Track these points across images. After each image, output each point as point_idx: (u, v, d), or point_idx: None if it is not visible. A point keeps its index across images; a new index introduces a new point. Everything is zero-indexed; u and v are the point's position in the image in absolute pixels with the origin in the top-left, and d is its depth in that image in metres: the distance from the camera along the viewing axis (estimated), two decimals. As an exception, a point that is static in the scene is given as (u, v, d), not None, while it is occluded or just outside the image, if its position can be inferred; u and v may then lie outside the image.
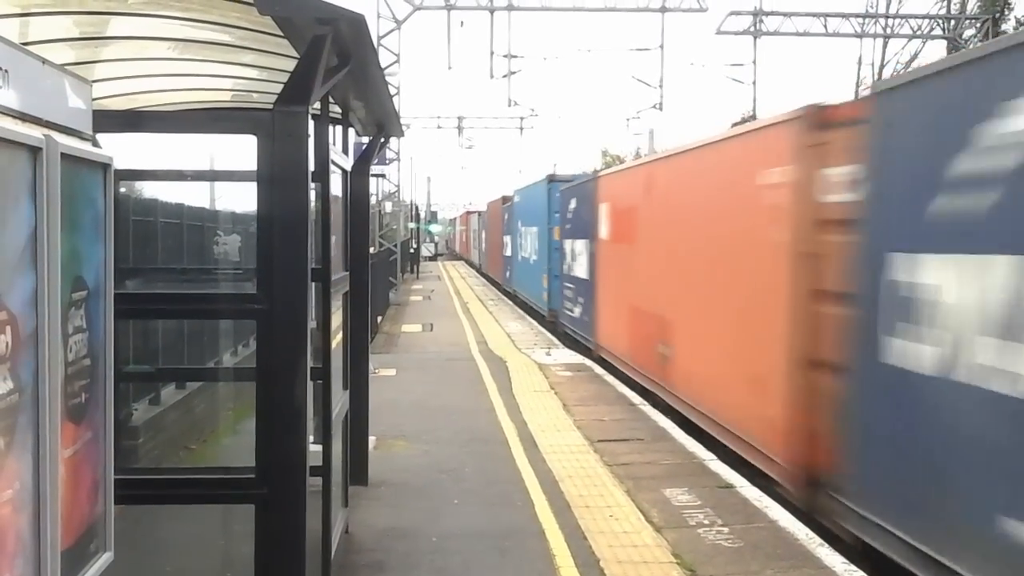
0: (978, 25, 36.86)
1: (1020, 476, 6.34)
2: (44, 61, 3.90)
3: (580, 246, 23.88)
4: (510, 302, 39.25)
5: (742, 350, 11.99)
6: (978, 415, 6.80)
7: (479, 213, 69.84)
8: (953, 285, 7.11)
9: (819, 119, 9.96)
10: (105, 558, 4.41)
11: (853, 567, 8.24)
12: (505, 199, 44.50)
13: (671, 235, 15.68)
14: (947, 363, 7.13)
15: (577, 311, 24.47)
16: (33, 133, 3.62)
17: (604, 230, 21.10)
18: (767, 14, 37.07)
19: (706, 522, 9.45)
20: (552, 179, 29.99)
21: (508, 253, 42.29)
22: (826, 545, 8.78)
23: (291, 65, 6.15)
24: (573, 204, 25.06)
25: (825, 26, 36.51)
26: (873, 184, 8.56)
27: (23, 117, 3.63)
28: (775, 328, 10.64)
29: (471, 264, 75.74)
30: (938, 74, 7.98)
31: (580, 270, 23.86)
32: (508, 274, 42.97)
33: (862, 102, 10.24)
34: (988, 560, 6.60)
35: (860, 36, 38.26)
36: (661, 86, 39.88)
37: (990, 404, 6.61)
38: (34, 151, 3.60)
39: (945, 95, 7.65)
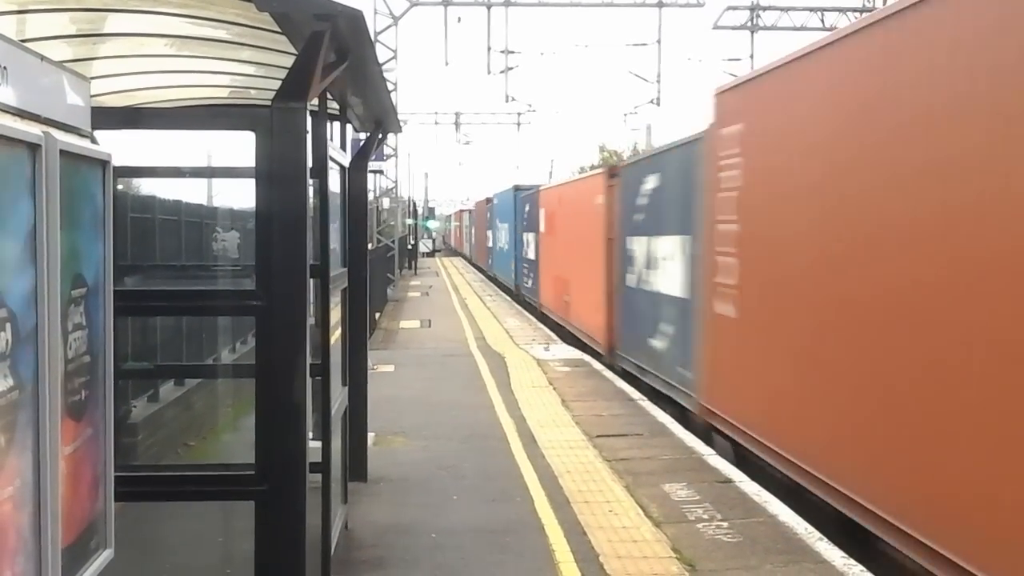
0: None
1: (654, 321, 16.25)
2: (43, 58, 3.89)
3: (530, 237, 34.32)
4: (508, 298, 39.51)
5: (589, 290, 22.53)
6: (643, 301, 17.39)
7: (470, 211, 74.75)
8: (636, 248, 18.00)
9: (610, 172, 21.17)
10: (105, 555, 4.42)
11: (852, 561, 8.25)
12: (488, 200, 55.74)
13: (567, 229, 26.38)
14: (636, 281, 18.03)
15: (529, 283, 34.86)
16: (32, 130, 3.61)
17: (542, 226, 31.05)
18: (764, 9, 37.10)
19: (705, 517, 9.46)
20: (517, 188, 40.72)
21: (489, 244, 53.81)
22: (825, 539, 8.79)
23: (289, 61, 6.15)
24: (527, 207, 35.44)
25: (822, 20, 36.52)
26: (620, 206, 19.79)
27: (22, 114, 3.62)
28: (599, 277, 21.15)
29: (464, 257, 78.43)
30: (631, 164, 20.55)
31: (531, 253, 34.11)
32: (490, 261, 53.99)
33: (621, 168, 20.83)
34: (647, 356, 17.05)
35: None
36: (658, 81, 39.95)
37: (646, 296, 17.19)
38: (33, 148, 3.59)
39: (635, 171, 18.91)
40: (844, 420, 9.09)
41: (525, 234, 36.06)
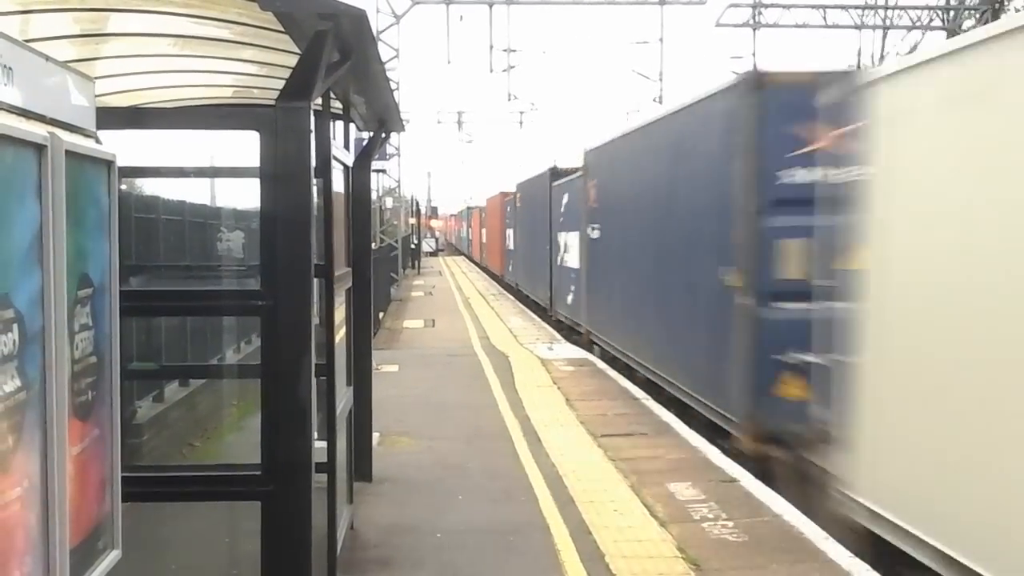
0: (977, 16, 36.81)
1: (568, 288, 26.18)
2: (47, 58, 3.89)
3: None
4: (511, 297, 39.45)
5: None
6: (567, 276, 26.35)
7: (481, 209, 73.82)
8: (567, 240, 26.33)
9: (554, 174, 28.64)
10: (113, 556, 4.42)
11: (858, 560, 8.23)
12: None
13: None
14: (566, 262, 26.59)
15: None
16: (37, 131, 3.61)
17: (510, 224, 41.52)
18: (766, 6, 37.00)
19: (711, 516, 9.44)
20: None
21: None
22: (831, 539, 8.76)
23: (292, 61, 6.14)
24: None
25: (824, 18, 36.44)
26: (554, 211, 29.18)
27: (27, 115, 3.62)
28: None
29: (475, 263, 74.55)
30: (567, 182, 26.49)
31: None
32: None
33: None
34: (568, 310, 26.31)
35: (859, 28, 38.16)
36: (661, 79, 39.89)
37: (568, 271, 26.09)
38: (39, 149, 3.59)
39: (571, 184, 25.36)
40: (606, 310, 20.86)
41: (563, 234, 26.88)
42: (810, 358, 9.80)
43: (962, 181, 7.08)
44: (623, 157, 19.28)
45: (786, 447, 10.74)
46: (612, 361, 19.67)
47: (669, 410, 14.64)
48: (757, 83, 11.44)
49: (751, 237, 11.47)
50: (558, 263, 27.88)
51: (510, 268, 43.48)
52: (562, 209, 27.07)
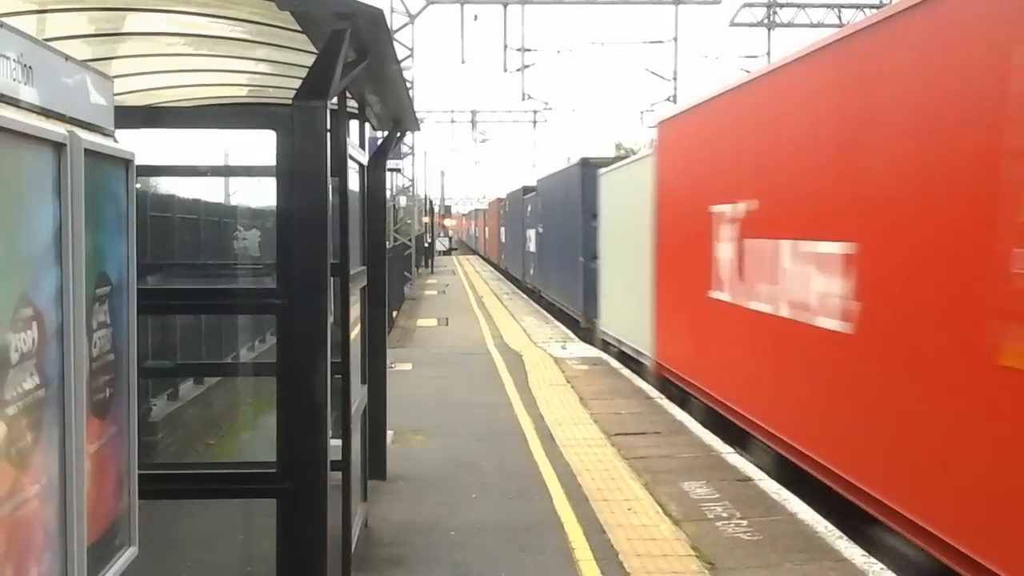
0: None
1: (530, 264, 41.86)
2: (67, 57, 3.91)
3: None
4: (524, 296, 39.61)
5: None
6: (530, 256, 41.77)
7: (502, 201, 77.10)
8: (529, 234, 41.48)
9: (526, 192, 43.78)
10: (130, 552, 4.44)
11: (872, 559, 8.22)
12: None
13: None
14: (528, 248, 42.04)
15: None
16: (57, 129, 3.63)
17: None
18: (781, 5, 36.98)
19: (724, 515, 9.44)
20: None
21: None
22: (845, 538, 8.76)
23: (307, 60, 6.16)
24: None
25: (839, 17, 36.37)
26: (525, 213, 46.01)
27: (47, 113, 3.64)
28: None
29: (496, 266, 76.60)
30: (531, 196, 41.73)
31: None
32: (531, 270, 56.91)
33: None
34: (530, 279, 41.33)
35: (875, 27, 38.02)
36: (675, 79, 39.88)
37: (530, 254, 41.65)
38: (58, 147, 3.61)
39: (533, 198, 40.93)
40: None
41: (529, 231, 41.44)
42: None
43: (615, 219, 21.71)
44: (547, 186, 35.78)
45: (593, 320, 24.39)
46: (539, 301, 36.49)
47: (551, 313, 30.89)
48: (583, 163, 26.08)
49: (585, 232, 25.46)
50: (525, 249, 43.44)
51: (502, 256, 60.50)
52: (527, 213, 42.26)
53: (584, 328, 25.65)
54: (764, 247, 11.34)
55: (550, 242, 33.63)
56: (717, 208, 13.08)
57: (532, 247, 40.40)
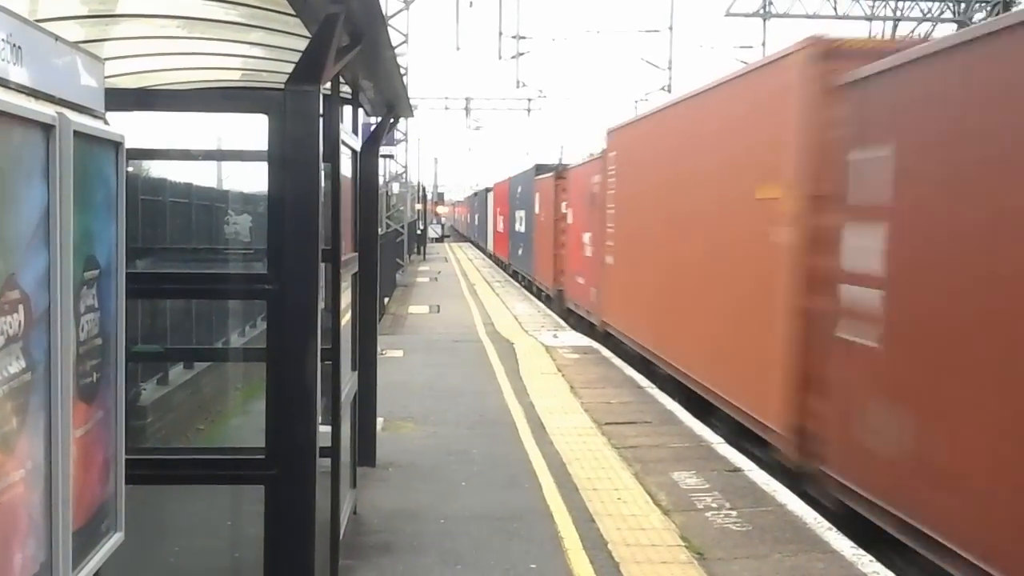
0: (988, 8, 36.63)
1: (487, 238, 63.90)
2: (57, 38, 3.86)
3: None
4: (516, 283, 39.55)
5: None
6: (499, 238, 53.10)
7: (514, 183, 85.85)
8: (487, 218, 62.07)
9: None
10: (116, 538, 4.41)
11: (861, 551, 8.23)
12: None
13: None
14: (519, 231, 41.77)
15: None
16: (46, 111, 3.58)
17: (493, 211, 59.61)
18: (777, -5, 36.84)
19: (714, 505, 9.44)
20: (475, 192, 69.21)
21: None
22: (834, 529, 8.77)
23: (301, 44, 6.12)
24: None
25: (835, 8, 36.30)
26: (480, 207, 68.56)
27: (36, 94, 3.60)
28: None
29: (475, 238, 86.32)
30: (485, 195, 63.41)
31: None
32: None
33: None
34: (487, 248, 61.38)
35: (870, 19, 37.98)
36: (670, 68, 39.87)
37: (499, 234, 54.52)
38: (47, 129, 3.57)
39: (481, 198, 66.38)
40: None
41: (487, 218, 62.67)
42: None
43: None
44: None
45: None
46: (515, 275, 43.36)
47: (530, 292, 34.62)
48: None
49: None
50: (487, 230, 60.40)
51: (475, 235, 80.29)
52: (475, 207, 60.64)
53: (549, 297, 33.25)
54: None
55: (519, 231, 42.49)
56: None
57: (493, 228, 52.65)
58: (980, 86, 7.48)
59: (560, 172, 31.18)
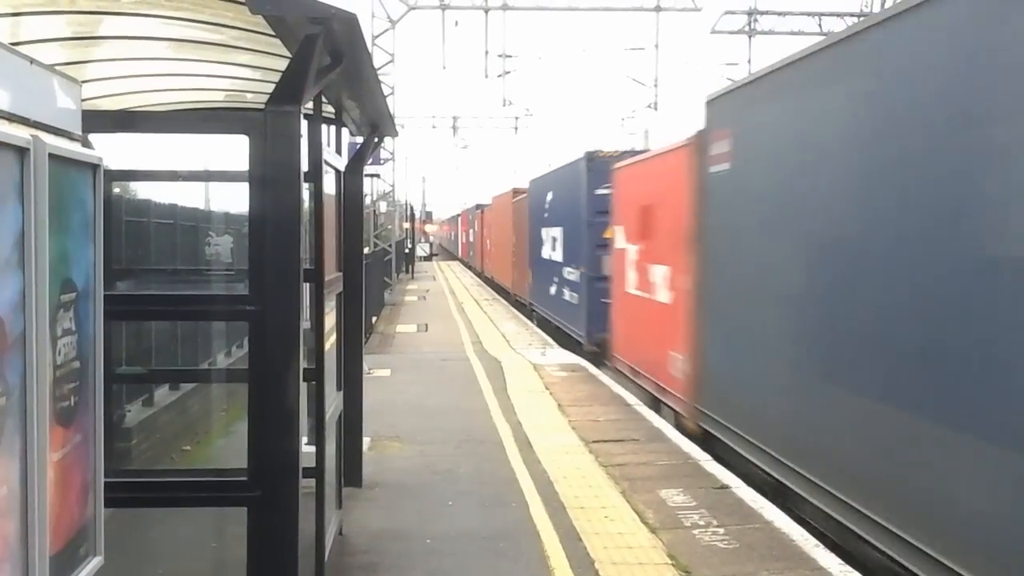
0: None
1: (467, 250, 74.99)
2: (32, 61, 3.85)
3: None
4: (504, 301, 39.55)
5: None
6: (489, 253, 53.69)
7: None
8: (474, 233, 65.65)
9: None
10: (95, 562, 4.37)
11: (848, 568, 8.22)
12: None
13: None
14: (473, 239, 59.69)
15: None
16: (20, 133, 3.57)
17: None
18: (761, 13, 37.11)
19: (701, 523, 9.42)
20: (465, 211, 77.31)
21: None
22: (821, 546, 8.76)
23: (284, 65, 6.11)
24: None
25: (820, 25, 36.54)
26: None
27: (10, 117, 3.59)
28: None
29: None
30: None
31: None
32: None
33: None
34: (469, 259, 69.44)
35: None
36: (656, 85, 39.92)
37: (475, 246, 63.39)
38: (21, 152, 3.55)
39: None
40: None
41: (473, 232, 72.25)
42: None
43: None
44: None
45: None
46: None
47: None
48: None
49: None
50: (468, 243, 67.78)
51: (459, 251, 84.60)
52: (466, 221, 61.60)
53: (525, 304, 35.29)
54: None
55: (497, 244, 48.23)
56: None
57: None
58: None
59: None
